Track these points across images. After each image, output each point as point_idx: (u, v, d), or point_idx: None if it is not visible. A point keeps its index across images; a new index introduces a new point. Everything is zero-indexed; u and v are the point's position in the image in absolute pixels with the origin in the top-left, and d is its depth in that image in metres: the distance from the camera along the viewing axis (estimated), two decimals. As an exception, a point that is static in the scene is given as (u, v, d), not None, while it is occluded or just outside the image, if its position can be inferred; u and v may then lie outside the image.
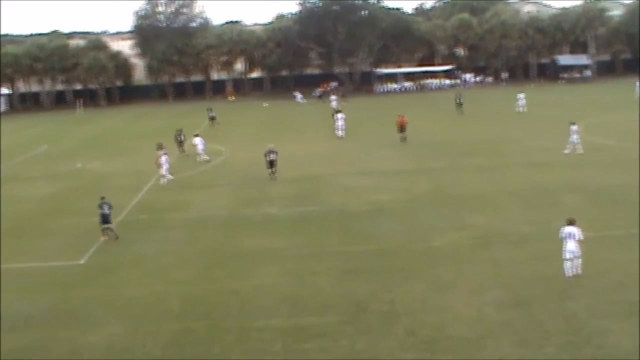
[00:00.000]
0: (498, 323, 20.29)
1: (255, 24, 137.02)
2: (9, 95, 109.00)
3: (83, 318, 22.66)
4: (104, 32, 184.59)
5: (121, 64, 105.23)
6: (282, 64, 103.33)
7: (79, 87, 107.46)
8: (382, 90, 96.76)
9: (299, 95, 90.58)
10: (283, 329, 20.81)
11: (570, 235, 23.02)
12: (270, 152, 42.21)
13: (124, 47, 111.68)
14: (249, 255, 27.91)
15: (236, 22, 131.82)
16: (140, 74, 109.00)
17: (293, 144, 53.30)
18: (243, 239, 30.31)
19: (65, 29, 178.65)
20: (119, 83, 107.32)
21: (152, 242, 30.55)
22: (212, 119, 69.53)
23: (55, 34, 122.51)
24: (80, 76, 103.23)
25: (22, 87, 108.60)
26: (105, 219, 31.29)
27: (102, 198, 31.73)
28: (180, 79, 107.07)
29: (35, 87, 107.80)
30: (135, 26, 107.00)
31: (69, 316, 22.93)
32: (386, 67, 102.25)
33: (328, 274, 25.04)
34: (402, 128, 52.69)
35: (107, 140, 64.36)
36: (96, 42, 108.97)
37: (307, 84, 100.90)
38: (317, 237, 29.81)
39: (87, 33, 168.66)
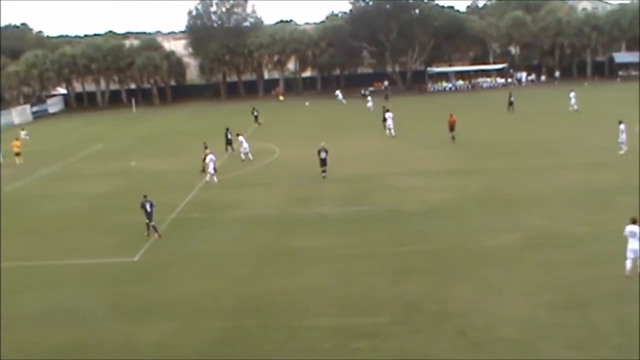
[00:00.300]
0: (551, 325, 20.04)
1: (307, 23, 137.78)
2: (65, 95, 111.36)
3: (136, 315, 23.10)
4: (157, 32, 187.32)
5: (174, 64, 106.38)
6: (334, 63, 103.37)
7: (133, 86, 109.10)
8: (434, 89, 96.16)
9: (340, 95, 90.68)
10: (333, 328, 20.88)
11: (633, 234, 22.68)
12: (322, 150, 42.62)
13: (177, 46, 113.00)
14: (300, 254, 28.07)
15: (288, 21, 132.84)
16: (193, 74, 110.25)
17: (344, 143, 53.35)
18: (294, 237, 30.51)
19: (120, 29, 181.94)
20: (172, 82, 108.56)
21: (204, 240, 30.95)
22: (256, 119, 70.94)
23: (110, 34, 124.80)
24: (135, 76, 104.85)
25: (78, 87, 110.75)
26: (148, 217, 32.19)
27: (145, 196, 32.65)
28: (232, 78, 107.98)
29: (90, 87, 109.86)
30: (188, 26, 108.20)
31: (122, 312, 23.39)
32: (438, 66, 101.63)
33: (379, 274, 25.03)
34: (452, 127, 52.51)
35: (160, 139, 65.29)
36: (150, 42, 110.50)
37: (359, 83, 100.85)
38: (368, 236, 29.82)
39: (141, 33, 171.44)
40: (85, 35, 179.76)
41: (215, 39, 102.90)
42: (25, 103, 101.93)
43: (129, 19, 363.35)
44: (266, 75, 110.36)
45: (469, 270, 24.79)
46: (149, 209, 32.17)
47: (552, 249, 26.51)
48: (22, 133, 74.65)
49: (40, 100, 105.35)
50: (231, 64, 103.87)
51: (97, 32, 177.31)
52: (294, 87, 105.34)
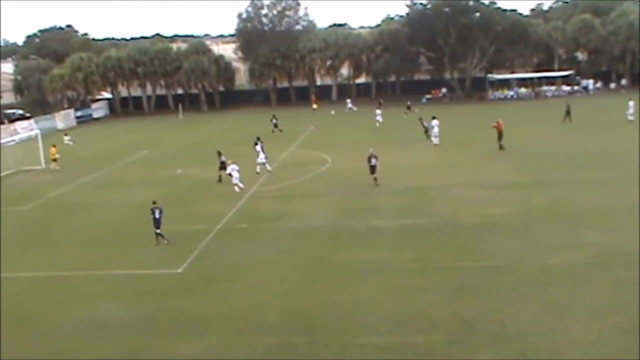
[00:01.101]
0: (620, 349, 19.66)
1: (362, 27, 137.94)
2: (110, 99, 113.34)
3: (179, 328, 23.35)
4: (206, 36, 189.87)
5: (223, 68, 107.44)
6: (389, 69, 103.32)
7: (180, 91, 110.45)
8: (494, 97, 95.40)
9: (350, 103, 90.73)
10: (386, 347, 20.82)
11: None
12: (372, 156, 43.24)
13: (226, 50, 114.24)
14: (352, 268, 28.08)
15: (342, 25, 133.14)
16: (242, 79, 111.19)
17: (396, 153, 53.36)
18: (346, 251, 30.52)
19: (168, 32, 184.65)
20: (220, 88, 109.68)
21: (251, 252, 31.17)
22: (275, 126, 72.48)
23: (157, 37, 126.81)
24: (182, 80, 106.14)
25: (123, 91, 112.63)
26: (156, 224, 33.31)
27: (154, 203, 34.06)
28: (283, 84, 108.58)
29: (136, 92, 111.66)
30: (238, 29, 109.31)
31: (165, 326, 23.67)
32: (499, 73, 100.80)
33: (435, 291, 24.91)
34: (500, 135, 52.38)
35: (207, 146, 65.89)
36: (198, 46, 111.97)
37: (415, 90, 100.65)
38: (424, 251, 29.70)
39: (189, 36, 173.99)
40: (132, 38, 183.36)
41: (265, 42, 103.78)
42: (69, 107, 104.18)
43: (176, 21, 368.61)
44: (318, 81, 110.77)
45: (530, 289, 24.49)
46: (157, 216, 33.34)
47: (620, 268, 26.03)
48: (66, 138, 76.31)
49: (85, 105, 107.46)
50: (282, 69, 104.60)
51: (143, 35, 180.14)
52: (347, 93, 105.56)
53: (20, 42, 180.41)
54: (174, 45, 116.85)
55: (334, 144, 60.45)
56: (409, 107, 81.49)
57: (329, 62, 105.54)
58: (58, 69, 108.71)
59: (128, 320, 24.29)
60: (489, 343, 20.62)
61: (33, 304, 26.70)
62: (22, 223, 40.59)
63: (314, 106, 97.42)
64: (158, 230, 33.39)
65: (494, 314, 22.55)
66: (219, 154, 48.44)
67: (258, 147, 50.54)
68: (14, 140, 66.63)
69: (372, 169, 43.21)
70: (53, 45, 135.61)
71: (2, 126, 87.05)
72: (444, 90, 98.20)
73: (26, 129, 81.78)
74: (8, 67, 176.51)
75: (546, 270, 26.37)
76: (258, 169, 49.65)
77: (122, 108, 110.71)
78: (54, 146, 59.83)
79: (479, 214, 34.95)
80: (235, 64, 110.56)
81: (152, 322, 24.04)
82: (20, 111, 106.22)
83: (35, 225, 39.97)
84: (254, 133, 71.98)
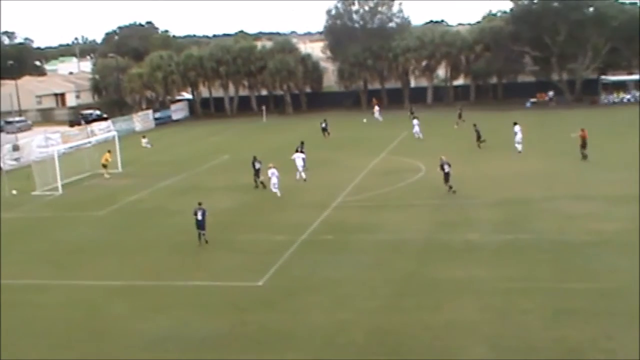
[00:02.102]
0: None
1: (461, 24, 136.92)
2: (190, 100, 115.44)
3: (259, 344, 23.64)
4: (292, 33, 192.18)
5: (310, 68, 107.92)
6: (490, 70, 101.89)
7: (264, 92, 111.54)
8: (608, 101, 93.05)
9: (377, 111, 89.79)
10: (481, 373, 20.61)
11: None
12: (445, 163, 43.99)
13: (314, 49, 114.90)
14: (445, 285, 27.88)
15: (439, 22, 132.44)
16: (330, 80, 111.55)
17: (493, 162, 52.77)
18: (439, 267, 30.33)
19: (252, 29, 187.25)
20: (307, 89, 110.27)
21: (337, 266, 31.28)
22: (324, 130, 74.21)
23: (241, 34, 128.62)
24: (266, 81, 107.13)
25: (204, 92, 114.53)
26: (198, 225, 35.79)
27: (199, 204, 36.31)
28: (374, 85, 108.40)
29: (218, 92, 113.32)
30: (327, 27, 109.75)
31: (245, 341, 23.98)
32: (615, 74, 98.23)
33: (537, 313, 24.49)
34: (583, 143, 51.81)
35: (292, 151, 66.39)
36: (284, 44, 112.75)
37: (518, 93, 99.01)
38: (526, 269, 29.23)
39: (275, 34, 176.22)
40: (214, 36, 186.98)
41: (356, 41, 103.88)
42: (147, 108, 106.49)
43: (261, 18, 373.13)
44: (412, 83, 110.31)
45: (646, 315, 23.82)
46: (200, 217, 35.72)
47: None
48: (143, 141, 78.22)
49: (164, 106, 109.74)
50: (373, 70, 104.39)
51: (226, 32, 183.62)
52: (443, 96, 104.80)
53: (99, 40, 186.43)
54: (259, 44, 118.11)
55: (428, 151, 59.98)
56: (460, 116, 79.05)
57: (424, 63, 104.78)
58: (137, 67, 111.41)
59: (205, 333, 24.69)
60: (597, 372, 20.16)
61: (106, 314, 27.45)
62: (96, 229, 41.81)
63: (376, 109, 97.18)
64: (201, 232, 35.91)
65: (603, 342, 22.02)
66: (255, 159, 50.12)
67: (294, 156, 52.45)
68: (90, 142, 68.63)
69: (446, 176, 44.10)
70: (132, 43, 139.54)
71: (79, 127, 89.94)
72: (550, 93, 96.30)
73: (103, 130, 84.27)
74: (86, 65, 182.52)
75: (664, 294, 25.61)
76: (304, 175, 51.48)
77: (203, 110, 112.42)
78: (109, 152, 60.87)
79: (588, 230, 34.20)
80: (323, 64, 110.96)
81: (230, 337, 24.39)
82: (98, 112, 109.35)
83: (111, 231, 41.11)
84: (343, 138, 72.65)
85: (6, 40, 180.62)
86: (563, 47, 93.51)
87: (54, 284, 31.62)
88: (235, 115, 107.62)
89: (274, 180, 46.01)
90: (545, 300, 25.60)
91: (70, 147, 67.05)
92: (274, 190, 46.18)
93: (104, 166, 59.21)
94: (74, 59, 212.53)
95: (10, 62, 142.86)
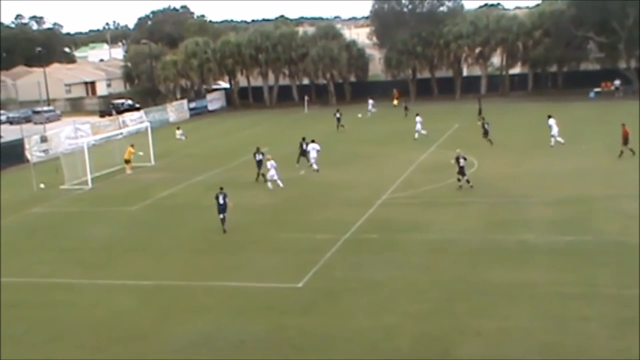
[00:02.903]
0: None
1: (518, 8, 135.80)
2: (227, 89, 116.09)
3: (299, 349, 23.77)
4: (336, 18, 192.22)
5: (355, 56, 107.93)
6: (550, 57, 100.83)
7: (305, 81, 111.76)
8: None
9: (370, 103, 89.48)
10: (536, 384, 20.53)
11: None
12: (460, 157, 44.71)
13: (359, 35, 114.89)
14: (498, 289, 27.78)
15: (494, 5, 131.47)
16: (376, 68, 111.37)
17: (549, 158, 52.35)
18: (491, 269, 30.23)
19: (293, 14, 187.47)
20: (352, 78, 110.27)
21: (382, 267, 31.33)
22: (339, 121, 75.71)
23: (281, 19, 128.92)
24: (308, 69, 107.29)
25: (242, 80, 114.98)
26: (220, 209, 38.40)
27: (221, 189, 39.00)
28: (423, 74, 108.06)
29: (256, 82, 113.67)
30: (373, 11, 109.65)
31: (284, 345, 24.14)
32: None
33: (598, 321, 24.31)
34: (625, 140, 51.39)
35: (335, 144, 66.50)
36: (327, 30, 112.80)
37: (581, 82, 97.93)
38: (586, 274, 29.01)
39: (317, 19, 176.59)
40: (253, 21, 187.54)
41: (404, 26, 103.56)
42: (182, 98, 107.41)
43: (303, 2, 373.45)
44: (465, 72, 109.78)
45: None
46: (221, 202, 38.27)
47: None
48: (178, 132, 78.86)
49: (199, 96, 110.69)
50: (423, 58, 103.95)
51: (266, 17, 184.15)
52: (498, 86, 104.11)
53: (131, 25, 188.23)
54: (300, 29, 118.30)
55: (482, 145, 59.75)
56: (480, 112, 77.76)
57: (478, 50, 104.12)
58: (171, 54, 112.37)
59: (241, 337, 24.89)
60: (662, 386, 19.99)
61: (138, 315, 27.80)
62: (128, 225, 42.33)
63: (395, 102, 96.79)
64: (221, 216, 38.35)
65: (671, 353, 21.80)
66: (257, 149, 51.90)
67: (309, 147, 53.89)
68: (121, 134, 69.35)
69: (461, 170, 44.73)
70: (166, 29, 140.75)
71: (110, 118, 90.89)
72: (617, 82, 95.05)
73: (135, 121, 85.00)
74: (118, 52, 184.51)
75: None
76: (315, 166, 53.42)
77: (241, 100, 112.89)
78: (132, 146, 60.88)
79: (655, 232, 33.82)
80: (369, 51, 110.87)
81: (268, 341, 24.56)
82: (130, 101, 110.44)
83: (142, 228, 41.59)
84: (389, 130, 72.57)
85: (34, 26, 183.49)
86: (632, 32, 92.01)
87: (83, 283, 32.11)
88: (275, 106, 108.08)
89: (272, 172, 47.48)
90: (607, 308, 25.39)
91: (101, 139, 67.90)
92: (270, 185, 48.02)
93: (127, 162, 59.57)
94: (105, 46, 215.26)
95: (39, 48, 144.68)
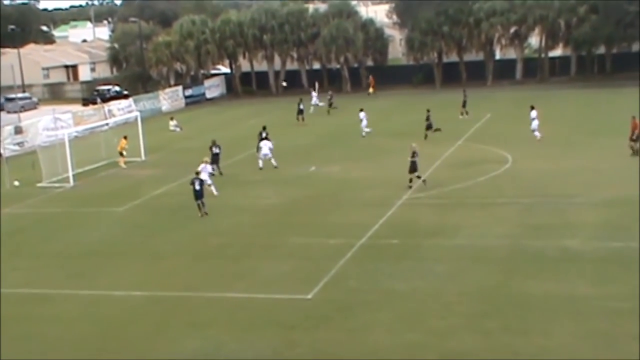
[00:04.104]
0: None
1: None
2: (228, 75, 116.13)
3: (310, 370, 23.78)
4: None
5: (373, 37, 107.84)
6: (597, 38, 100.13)
7: (316, 66, 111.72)
8: None
9: (314, 96, 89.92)
10: (581, 410, 20.50)
11: None
12: (414, 152, 45.45)
13: (377, 13, 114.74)
14: (537, 303, 27.71)
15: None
16: (397, 51, 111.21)
17: (597, 153, 52.26)
18: (529, 280, 30.16)
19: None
20: (368, 62, 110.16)
21: (403, 276, 31.31)
22: (300, 112, 77.20)
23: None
24: (319, 52, 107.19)
25: (244, 65, 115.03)
26: (197, 196, 42.27)
27: (197, 173, 43.60)
28: (450, 58, 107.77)
29: (261, 66, 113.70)
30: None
31: (291, 367, 24.18)
32: None
33: (654, 340, 24.24)
34: (633, 134, 51.05)
35: (349, 137, 66.54)
36: (341, 7, 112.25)
37: (633, 65, 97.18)
38: (638, 286, 28.87)
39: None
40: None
41: (429, 3, 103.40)
42: (176, 85, 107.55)
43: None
44: (497, 55, 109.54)
45: None
46: (197, 187, 42.22)
47: None
48: (171, 124, 79.02)
49: (196, 82, 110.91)
50: (450, 39, 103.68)
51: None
52: (536, 70, 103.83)
53: (118, 1, 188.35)
54: (310, 6, 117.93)
55: (517, 138, 59.66)
56: (464, 104, 75.37)
57: (513, 29, 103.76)
58: (164, 35, 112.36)
59: (244, 356, 24.94)
60: None
61: (128, 331, 27.81)
62: (115, 228, 42.40)
63: (371, 90, 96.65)
64: (198, 202, 42.32)
65: None
66: (264, 128, 57.19)
67: (216, 150, 55.01)
68: (107, 125, 69.46)
69: (413, 166, 45.41)
70: (159, 5, 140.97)
71: (95, 106, 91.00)
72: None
73: (123, 110, 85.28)
74: (103, 32, 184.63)
75: None
76: (275, 162, 54.89)
77: (243, 86, 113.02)
78: (125, 137, 60.75)
79: None
80: (388, 31, 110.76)
81: (276, 361, 24.60)
82: (117, 88, 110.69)
83: (132, 231, 41.65)
84: (408, 120, 72.42)
85: (6, 0, 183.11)
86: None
87: (64, 294, 32.11)
88: (282, 94, 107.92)
89: (204, 176, 46.01)
90: (664, 325, 25.33)
91: (84, 130, 68.08)
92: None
93: (121, 154, 59.66)
94: (89, 24, 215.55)
95: (12, 26, 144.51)
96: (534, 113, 59.08)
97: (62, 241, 40.38)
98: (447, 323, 26.49)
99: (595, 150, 53.14)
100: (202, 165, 46.90)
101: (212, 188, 46.64)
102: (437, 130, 61.81)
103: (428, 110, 63.67)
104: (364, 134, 65.87)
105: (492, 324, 26.22)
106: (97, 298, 31.31)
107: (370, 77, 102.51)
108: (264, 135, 56.92)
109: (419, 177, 45.71)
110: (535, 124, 58.59)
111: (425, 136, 60.29)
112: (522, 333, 25.31)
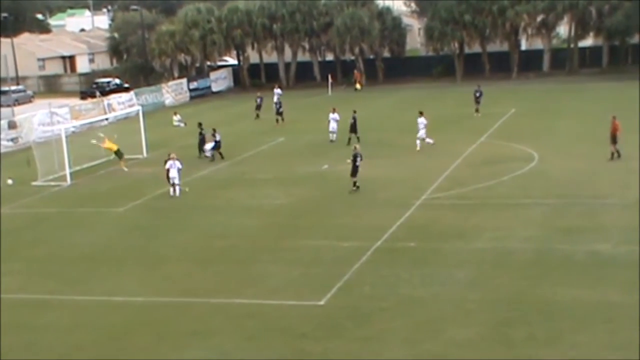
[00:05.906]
0: None
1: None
2: (235, 67, 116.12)
3: (321, 383, 23.73)
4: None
5: (389, 26, 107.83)
6: (631, 26, 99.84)
7: (329, 57, 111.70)
8: None
9: (277, 93, 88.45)
10: None
11: None
12: (358, 155, 45.91)
13: (395, 2, 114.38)
14: (565, 311, 27.63)
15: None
16: (415, 41, 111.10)
17: (626, 150, 51.96)
18: (556, 286, 30.05)
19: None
20: (385, 53, 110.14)
21: (422, 282, 31.24)
22: (258, 107, 79.09)
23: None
24: (332, 42, 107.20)
25: (253, 56, 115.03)
26: (170, 178, 46.67)
27: (169, 155, 47.91)
28: (473, 49, 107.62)
29: (270, 57, 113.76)
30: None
31: (302, 379, 24.14)
32: None
33: (691, 351, 24.09)
34: (614, 137, 50.58)
35: (364, 133, 66.42)
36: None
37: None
38: (675, 294, 28.79)
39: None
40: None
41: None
42: (180, 77, 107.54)
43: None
44: (523, 45, 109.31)
45: None
46: (172, 174, 46.86)
47: None
48: (175, 118, 79.02)
49: (201, 74, 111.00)
50: (472, 28, 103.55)
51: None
52: (565, 62, 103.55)
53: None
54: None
55: (544, 135, 59.57)
56: (477, 100, 73.44)
57: (540, 17, 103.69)
58: (167, 24, 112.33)
59: (252, 368, 24.90)
60: None
61: (127, 339, 27.79)
62: (115, 229, 42.39)
63: (357, 86, 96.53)
64: (172, 182, 46.83)
65: None
66: (199, 125, 61.22)
67: (218, 137, 58.81)
68: (107, 119, 69.53)
69: (355, 169, 46.00)
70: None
71: (93, 100, 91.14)
72: None
73: (124, 104, 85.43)
74: (103, 20, 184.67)
75: None
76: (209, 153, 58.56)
77: (251, 79, 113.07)
78: (108, 136, 59.46)
79: None
80: (406, 21, 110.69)
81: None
82: (117, 80, 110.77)
83: (132, 233, 41.62)
84: (430, 117, 72.12)
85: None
86: None
87: (59, 299, 32.12)
88: (293, 87, 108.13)
89: (173, 174, 47.68)
90: (702, 335, 25.19)
91: (82, 125, 68.11)
92: (175, 190, 48.54)
93: (118, 155, 58.02)
94: (87, 12, 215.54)
95: (5, 14, 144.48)
96: (422, 120, 57.60)
97: (58, 244, 40.37)
98: (469, 332, 26.42)
99: (629, 147, 52.83)
100: (170, 162, 47.60)
101: (177, 188, 47.85)
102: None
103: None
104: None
105: (517, 333, 26.16)
106: (94, 304, 31.31)
107: (355, 71, 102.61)
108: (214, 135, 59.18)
109: (355, 182, 46.01)
110: (422, 132, 57.26)
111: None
112: (548, 343, 25.22)
